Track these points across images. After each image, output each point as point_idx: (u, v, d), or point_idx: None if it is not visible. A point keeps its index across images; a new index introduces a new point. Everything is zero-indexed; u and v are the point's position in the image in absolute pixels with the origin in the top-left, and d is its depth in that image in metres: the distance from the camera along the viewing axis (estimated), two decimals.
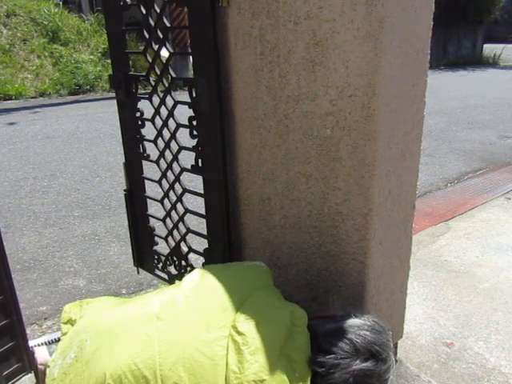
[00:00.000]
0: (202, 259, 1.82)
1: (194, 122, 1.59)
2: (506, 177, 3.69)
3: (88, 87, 8.03)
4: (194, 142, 1.62)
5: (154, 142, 1.76)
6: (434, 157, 4.37)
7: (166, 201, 1.82)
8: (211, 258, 1.76)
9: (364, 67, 1.08)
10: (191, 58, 1.52)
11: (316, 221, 1.35)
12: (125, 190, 1.95)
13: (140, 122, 1.79)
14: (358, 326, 1.03)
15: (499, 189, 3.37)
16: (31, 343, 1.60)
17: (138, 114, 1.78)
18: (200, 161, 1.63)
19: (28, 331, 1.59)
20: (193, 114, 1.58)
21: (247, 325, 1.01)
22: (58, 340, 1.62)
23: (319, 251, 1.37)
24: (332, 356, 0.98)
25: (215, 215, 1.66)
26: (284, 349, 0.99)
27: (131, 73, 1.79)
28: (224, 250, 1.70)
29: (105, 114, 6.18)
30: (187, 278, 1.18)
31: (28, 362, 1.52)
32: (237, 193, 1.65)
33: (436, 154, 4.48)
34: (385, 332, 1.04)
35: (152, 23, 1.59)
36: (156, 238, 1.94)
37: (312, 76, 1.22)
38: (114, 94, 1.88)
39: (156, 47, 1.64)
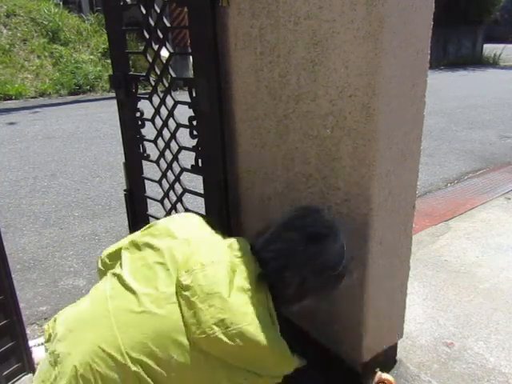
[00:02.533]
0: None
1: (194, 122, 1.59)
2: (506, 177, 3.68)
3: (88, 87, 8.03)
4: (193, 142, 1.62)
5: (154, 141, 1.76)
6: (434, 157, 4.37)
7: (165, 201, 1.82)
8: None
9: (364, 67, 1.08)
10: (191, 58, 1.52)
11: None
12: (125, 190, 1.95)
13: (140, 122, 1.79)
14: (285, 219, 1.08)
15: (499, 189, 3.36)
16: (31, 343, 1.60)
17: (138, 114, 1.78)
18: (200, 161, 1.63)
19: (28, 331, 1.59)
20: (193, 114, 1.58)
21: (189, 276, 1.01)
22: None
23: None
24: (271, 261, 1.02)
25: (215, 215, 1.66)
26: (234, 282, 1.00)
27: (131, 73, 1.79)
28: None
29: (105, 113, 6.18)
30: (123, 256, 1.16)
31: (28, 362, 1.52)
32: (237, 193, 1.65)
33: (436, 154, 4.48)
34: (311, 209, 1.07)
35: (152, 23, 1.59)
36: None
37: (312, 76, 1.22)
38: (114, 94, 1.88)
39: (156, 47, 1.64)
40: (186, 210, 1.75)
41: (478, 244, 2.48)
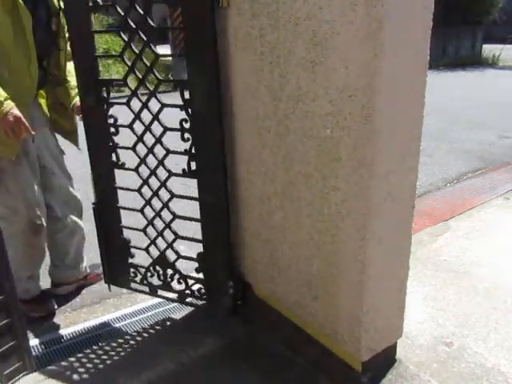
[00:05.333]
0: (187, 264, 1.79)
1: (187, 125, 1.54)
2: (505, 177, 3.69)
3: None
4: (185, 146, 1.57)
5: (133, 148, 1.67)
6: (434, 157, 4.37)
7: (147, 209, 1.75)
8: (206, 262, 1.72)
9: (363, 67, 1.09)
10: (185, 58, 1.48)
11: (316, 221, 1.35)
12: (93, 203, 1.83)
13: (114, 130, 1.69)
14: None
15: (498, 189, 3.37)
16: (32, 343, 1.60)
17: (111, 121, 1.68)
18: (194, 164, 1.58)
19: (29, 330, 1.59)
20: (183, 117, 1.53)
21: None
22: (59, 339, 1.63)
23: (319, 251, 1.37)
24: None
25: (213, 217, 1.63)
26: None
27: (102, 77, 1.68)
28: (223, 251, 1.69)
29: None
30: None
31: (29, 362, 1.53)
32: (237, 193, 1.66)
33: (435, 154, 4.49)
34: None
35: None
36: (133, 250, 1.86)
37: (312, 76, 1.22)
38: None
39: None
40: (175, 215, 1.71)
41: (478, 244, 2.49)
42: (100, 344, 1.71)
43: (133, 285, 1.91)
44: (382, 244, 1.26)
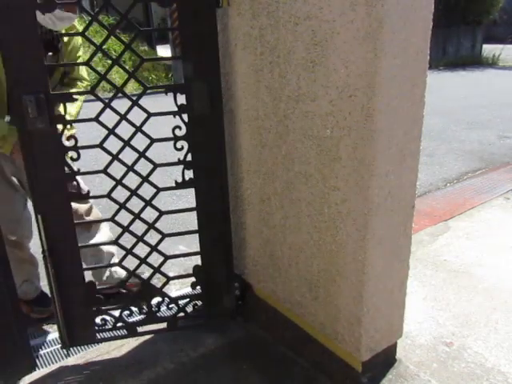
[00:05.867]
0: (173, 286, 1.76)
1: (180, 133, 1.47)
2: (505, 177, 3.69)
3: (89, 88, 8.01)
4: (177, 156, 1.49)
5: (105, 171, 1.53)
6: (434, 157, 4.37)
7: (125, 237, 1.54)
8: (205, 275, 1.66)
9: (364, 68, 1.09)
10: (182, 60, 1.42)
11: (316, 221, 1.35)
12: (43, 252, 1.47)
13: (75, 154, 1.48)
14: None
15: (498, 189, 3.37)
16: (31, 343, 1.60)
17: (69, 143, 1.47)
18: (193, 172, 1.52)
19: (29, 331, 1.59)
20: (176, 124, 1.46)
21: None
22: (59, 339, 1.62)
23: (319, 251, 1.37)
24: None
25: (213, 223, 1.60)
26: None
27: (55, 92, 1.51)
28: (226, 254, 1.66)
29: (105, 113, 6.16)
30: None
31: (28, 363, 1.53)
32: (237, 193, 1.66)
33: (435, 154, 4.49)
34: None
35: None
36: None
37: (312, 76, 1.22)
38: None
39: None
40: (164, 234, 1.57)
41: (478, 244, 2.49)
42: (100, 344, 1.71)
43: (100, 335, 1.68)
44: (382, 244, 1.26)
